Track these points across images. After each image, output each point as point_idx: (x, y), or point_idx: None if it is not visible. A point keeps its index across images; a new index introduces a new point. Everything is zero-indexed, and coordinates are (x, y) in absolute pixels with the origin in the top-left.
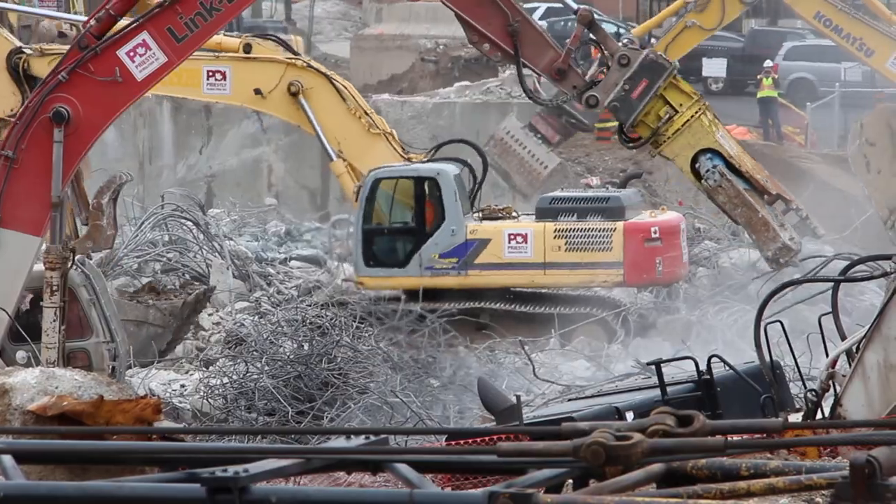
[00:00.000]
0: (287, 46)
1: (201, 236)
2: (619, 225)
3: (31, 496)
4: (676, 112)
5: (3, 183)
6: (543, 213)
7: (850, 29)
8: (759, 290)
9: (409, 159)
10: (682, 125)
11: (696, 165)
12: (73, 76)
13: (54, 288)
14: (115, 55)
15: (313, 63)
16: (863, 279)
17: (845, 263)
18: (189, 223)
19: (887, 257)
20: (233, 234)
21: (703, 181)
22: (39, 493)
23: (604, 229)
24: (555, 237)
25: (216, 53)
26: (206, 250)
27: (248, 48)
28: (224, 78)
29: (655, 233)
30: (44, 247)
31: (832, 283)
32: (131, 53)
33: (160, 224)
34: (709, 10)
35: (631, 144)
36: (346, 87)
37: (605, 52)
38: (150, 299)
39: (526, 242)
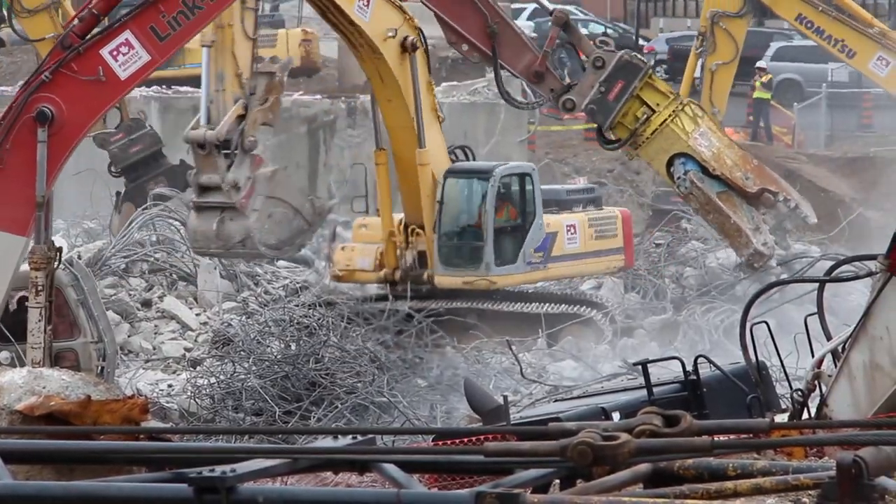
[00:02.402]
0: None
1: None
2: (619, 212)
3: (17, 496)
4: (653, 112)
5: None
6: (564, 205)
7: (832, 31)
8: (745, 290)
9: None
10: (660, 125)
11: (671, 169)
12: (56, 76)
13: (39, 288)
14: (98, 54)
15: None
16: (848, 279)
17: (831, 263)
18: (177, 223)
19: (873, 257)
20: None
21: (676, 188)
22: (26, 493)
23: (614, 217)
24: (589, 226)
25: None
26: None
27: None
28: (367, 5)
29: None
30: (30, 246)
31: (818, 284)
32: (114, 52)
33: (148, 224)
34: (719, 45)
35: (609, 146)
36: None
37: (581, 54)
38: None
39: (576, 233)
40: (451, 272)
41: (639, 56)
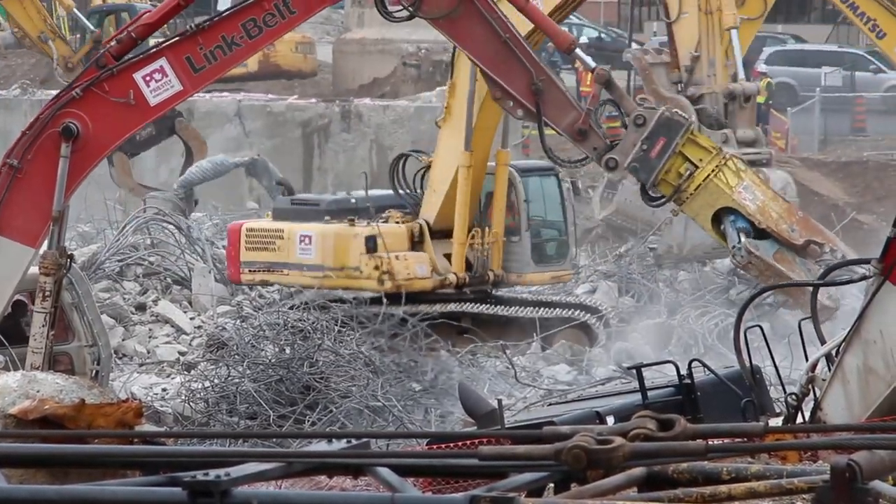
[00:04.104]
0: None
1: (183, 240)
2: None
3: (11, 500)
4: (697, 167)
5: (4, 191)
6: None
7: (866, 8)
8: (739, 294)
9: None
10: (704, 181)
11: (722, 227)
12: (86, 94)
13: (47, 293)
14: (131, 78)
15: None
16: (842, 283)
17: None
18: (171, 227)
19: (866, 261)
20: (215, 237)
21: (731, 257)
22: (20, 497)
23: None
24: None
25: None
26: (188, 253)
27: None
28: None
29: None
30: (42, 250)
31: (812, 288)
32: (147, 78)
33: (142, 228)
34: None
35: (653, 203)
36: None
37: (623, 111)
38: None
39: None
40: (542, 268)
41: (680, 112)
